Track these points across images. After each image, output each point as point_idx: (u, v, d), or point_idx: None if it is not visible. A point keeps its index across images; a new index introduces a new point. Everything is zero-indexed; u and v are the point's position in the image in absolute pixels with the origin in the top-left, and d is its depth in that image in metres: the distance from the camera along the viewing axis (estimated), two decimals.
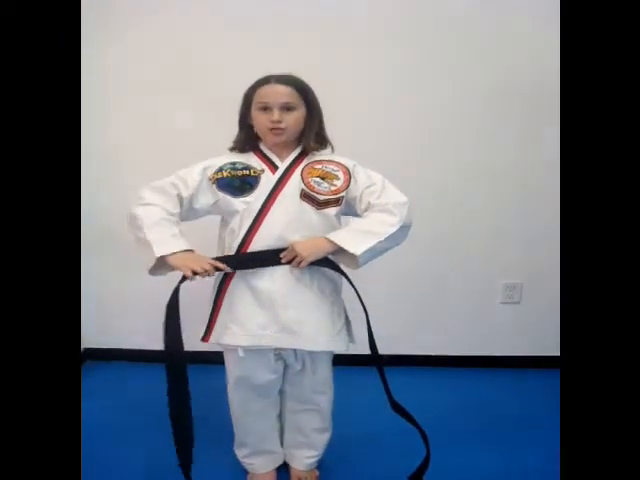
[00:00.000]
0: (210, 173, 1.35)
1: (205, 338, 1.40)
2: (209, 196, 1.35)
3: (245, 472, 1.61)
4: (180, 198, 1.34)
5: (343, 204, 1.35)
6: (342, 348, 1.40)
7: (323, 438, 1.58)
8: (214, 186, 1.34)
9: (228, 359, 1.45)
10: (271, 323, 1.33)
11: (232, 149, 1.41)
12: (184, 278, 1.26)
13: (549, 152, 1.90)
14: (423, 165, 2.17)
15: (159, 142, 2.16)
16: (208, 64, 2.09)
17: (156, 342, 2.52)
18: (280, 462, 1.62)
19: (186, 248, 1.28)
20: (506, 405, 2.05)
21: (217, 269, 1.27)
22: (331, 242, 1.28)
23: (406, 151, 2.15)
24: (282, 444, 1.61)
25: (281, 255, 1.30)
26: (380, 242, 1.27)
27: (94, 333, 2.38)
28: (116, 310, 2.38)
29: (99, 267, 2.28)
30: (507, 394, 2.14)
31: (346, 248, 1.26)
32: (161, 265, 1.28)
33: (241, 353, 1.37)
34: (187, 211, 1.37)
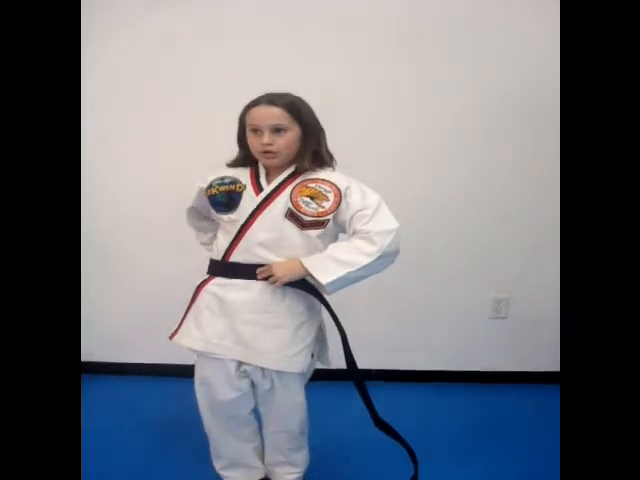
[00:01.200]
0: (204, 190, 1.39)
1: (171, 336, 1.43)
2: (209, 210, 1.41)
3: None
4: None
5: (329, 226, 1.31)
6: (295, 369, 1.36)
7: (301, 455, 1.54)
8: (208, 202, 1.38)
9: (195, 365, 1.45)
10: (229, 334, 1.34)
11: (230, 165, 1.41)
12: None
13: (543, 168, 1.92)
14: (414, 180, 2.15)
15: (159, 143, 2.14)
16: (208, 65, 2.07)
17: (153, 355, 2.48)
18: (261, 476, 1.57)
19: None
20: (494, 420, 2.03)
21: None
22: (302, 268, 1.28)
23: (397, 165, 2.14)
24: (263, 460, 1.57)
25: (257, 271, 1.31)
26: (352, 272, 1.26)
27: (90, 346, 2.32)
28: (104, 323, 2.30)
29: (95, 278, 2.24)
30: (496, 409, 2.12)
31: (314, 275, 1.27)
32: None
33: (195, 356, 1.42)
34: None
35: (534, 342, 2.27)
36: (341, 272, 1.25)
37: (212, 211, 1.39)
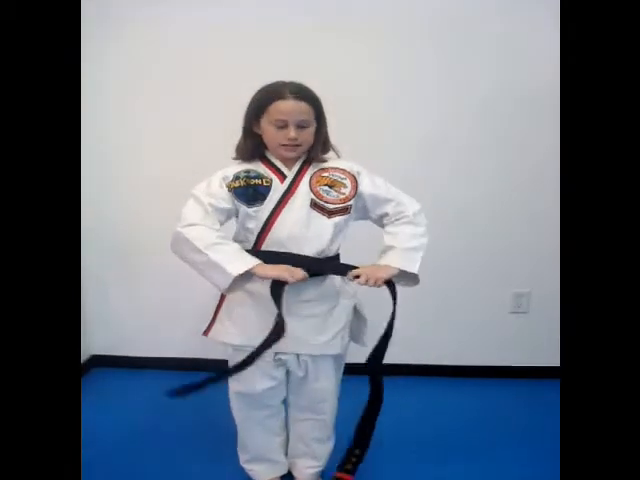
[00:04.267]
0: (227, 182, 1.34)
1: (205, 332, 1.43)
2: (231, 203, 1.35)
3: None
4: (218, 214, 1.33)
5: (352, 211, 1.36)
6: (331, 352, 1.40)
7: (325, 448, 1.56)
8: (231, 194, 1.34)
9: (229, 359, 1.44)
10: (263, 325, 1.31)
11: (236, 159, 1.39)
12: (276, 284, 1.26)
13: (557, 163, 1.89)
14: (433, 176, 2.17)
15: (159, 144, 2.17)
16: (209, 64, 2.10)
17: (162, 349, 2.53)
18: (284, 471, 1.61)
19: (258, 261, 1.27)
20: (515, 415, 2.03)
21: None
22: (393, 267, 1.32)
23: (416, 162, 2.16)
24: (287, 453, 1.61)
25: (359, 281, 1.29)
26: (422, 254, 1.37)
27: (101, 340, 2.41)
28: (123, 317, 2.39)
29: (106, 273, 2.32)
30: (516, 404, 2.12)
31: (407, 270, 1.33)
32: (236, 282, 1.26)
33: (229, 351, 1.41)
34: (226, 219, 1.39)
35: (555, 337, 2.25)
36: (419, 258, 1.35)
37: (236, 202, 1.34)
